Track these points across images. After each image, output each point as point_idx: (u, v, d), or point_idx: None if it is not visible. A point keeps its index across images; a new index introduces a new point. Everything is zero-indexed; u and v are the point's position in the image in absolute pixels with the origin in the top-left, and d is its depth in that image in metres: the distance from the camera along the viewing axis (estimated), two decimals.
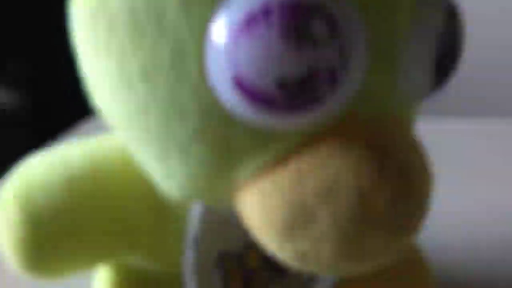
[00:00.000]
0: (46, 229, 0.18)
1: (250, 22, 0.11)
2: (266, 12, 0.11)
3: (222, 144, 0.13)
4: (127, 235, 0.18)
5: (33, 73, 0.77)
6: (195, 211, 0.17)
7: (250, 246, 0.17)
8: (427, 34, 0.13)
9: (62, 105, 0.81)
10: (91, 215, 0.18)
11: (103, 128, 0.18)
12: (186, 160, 0.14)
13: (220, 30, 0.11)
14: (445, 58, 0.14)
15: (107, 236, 0.18)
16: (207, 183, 0.14)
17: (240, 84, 0.11)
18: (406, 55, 0.13)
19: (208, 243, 0.17)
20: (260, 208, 0.13)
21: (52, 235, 0.18)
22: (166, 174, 0.15)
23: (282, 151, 0.13)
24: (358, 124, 0.13)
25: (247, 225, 0.14)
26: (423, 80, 0.14)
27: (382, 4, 0.12)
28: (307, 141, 0.13)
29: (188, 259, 0.17)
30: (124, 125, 0.15)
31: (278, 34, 0.11)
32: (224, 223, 0.17)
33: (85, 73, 0.15)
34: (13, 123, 0.76)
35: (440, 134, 0.32)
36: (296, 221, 0.12)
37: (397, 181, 0.12)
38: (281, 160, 0.13)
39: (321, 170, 0.12)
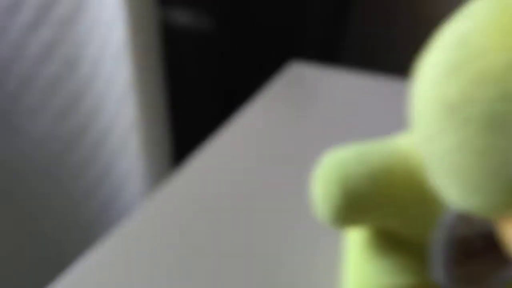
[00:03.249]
0: (354, 201, 0.29)
1: None
2: None
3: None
4: (401, 209, 0.30)
5: None
6: (453, 211, 0.28)
7: (479, 236, 0.28)
8: None
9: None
10: (382, 197, 0.30)
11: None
12: (481, 201, 0.23)
13: None
14: None
15: (389, 208, 0.30)
16: (484, 212, 0.24)
17: None
18: None
19: (452, 229, 0.29)
20: None
21: (357, 205, 0.30)
22: (459, 196, 0.24)
23: None
24: None
25: (499, 236, 0.24)
26: None
27: None
28: None
29: (438, 233, 0.29)
30: (444, 168, 0.24)
31: None
32: (468, 221, 0.28)
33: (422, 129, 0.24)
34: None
35: None
36: None
37: None
38: None
39: None
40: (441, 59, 0.24)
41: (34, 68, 0.77)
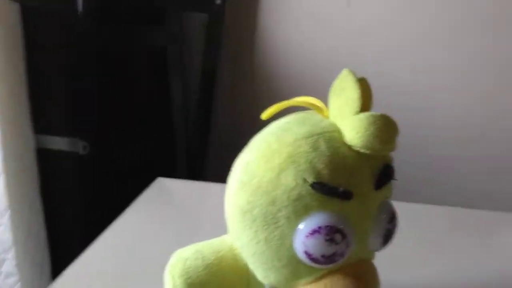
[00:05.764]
0: None
1: (314, 231, 0.30)
2: (319, 228, 0.30)
3: (294, 274, 0.33)
4: None
5: None
6: (267, 286, 0.37)
7: None
8: (381, 228, 0.33)
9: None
10: (216, 283, 0.37)
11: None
12: (276, 276, 0.34)
13: (302, 230, 0.31)
14: (388, 237, 0.34)
15: None
16: (283, 284, 0.34)
17: (307, 253, 0.31)
18: (371, 237, 0.33)
19: None
20: None
21: None
22: (263, 274, 0.34)
23: (319, 275, 0.32)
24: (351, 265, 0.32)
25: None
26: (379, 244, 0.34)
27: (361, 226, 0.32)
28: (330, 272, 0.32)
29: None
30: (249, 255, 0.34)
31: (324, 238, 0.30)
32: None
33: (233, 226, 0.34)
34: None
35: None
36: None
37: None
38: (318, 279, 0.33)
39: (334, 285, 0.32)
40: (235, 178, 0.34)
41: None
